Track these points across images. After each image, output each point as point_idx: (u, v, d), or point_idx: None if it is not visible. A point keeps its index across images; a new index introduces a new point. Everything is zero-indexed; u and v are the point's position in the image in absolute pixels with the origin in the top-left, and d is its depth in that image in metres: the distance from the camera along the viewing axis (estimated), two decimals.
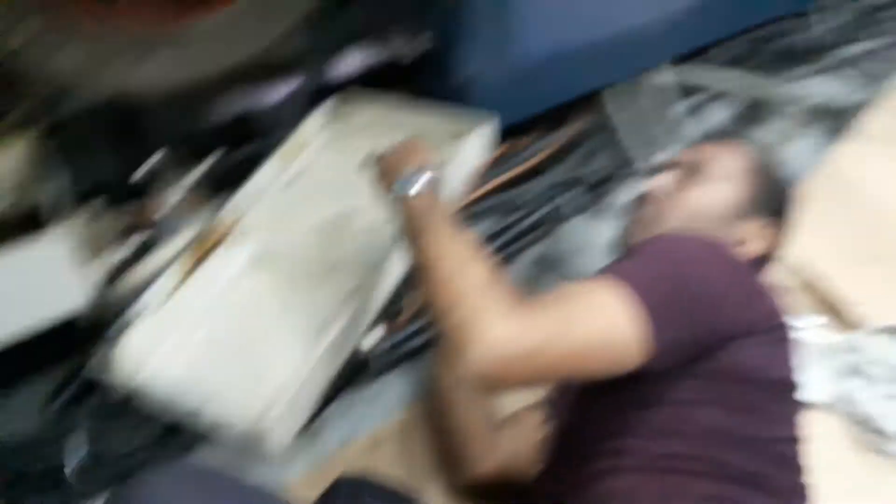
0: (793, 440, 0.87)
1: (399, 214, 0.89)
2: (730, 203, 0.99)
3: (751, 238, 0.98)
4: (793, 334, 0.90)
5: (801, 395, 0.89)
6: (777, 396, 0.87)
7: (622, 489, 0.82)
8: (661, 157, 1.10)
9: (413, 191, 0.88)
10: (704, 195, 0.99)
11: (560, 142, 1.53)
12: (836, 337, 1.37)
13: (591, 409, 0.90)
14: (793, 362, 0.89)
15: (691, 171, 1.02)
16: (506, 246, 1.41)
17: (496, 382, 0.77)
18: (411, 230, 0.87)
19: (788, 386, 0.88)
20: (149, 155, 1.20)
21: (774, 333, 0.88)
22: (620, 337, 0.76)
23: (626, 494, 0.82)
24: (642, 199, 1.05)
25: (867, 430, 1.26)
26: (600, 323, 0.76)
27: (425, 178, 0.89)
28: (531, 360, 0.75)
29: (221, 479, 0.80)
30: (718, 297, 0.82)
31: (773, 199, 1.02)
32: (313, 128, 1.35)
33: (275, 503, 0.83)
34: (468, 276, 0.79)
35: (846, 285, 1.44)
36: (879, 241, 1.52)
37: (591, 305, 0.77)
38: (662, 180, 1.04)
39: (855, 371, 1.32)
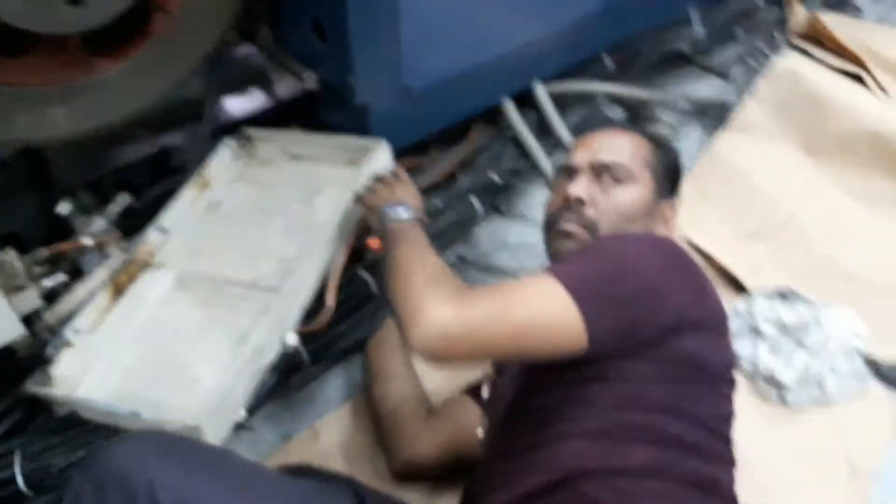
0: (726, 417, 1.05)
1: (382, 234, 1.16)
2: (648, 194, 1.15)
3: (669, 217, 1.18)
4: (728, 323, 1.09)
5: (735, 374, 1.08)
6: (717, 380, 1.04)
7: (570, 452, 0.95)
8: (563, 158, 1.24)
9: (396, 219, 1.16)
10: (629, 193, 1.13)
11: (464, 153, 1.74)
12: (727, 304, 1.61)
13: (540, 383, 1.03)
14: (730, 350, 1.08)
15: (610, 173, 1.14)
16: None
17: (440, 357, 0.93)
18: (388, 245, 1.11)
19: (728, 371, 1.06)
20: (62, 197, 1.37)
21: (717, 326, 1.05)
22: (555, 322, 0.92)
23: (574, 457, 0.94)
24: (564, 211, 1.13)
25: (767, 383, 1.49)
26: (535, 309, 0.92)
27: (403, 209, 1.18)
28: (470, 338, 0.91)
29: (190, 443, 0.94)
30: (660, 292, 0.97)
31: (672, 179, 1.21)
32: (219, 164, 1.51)
33: (245, 465, 0.96)
34: (423, 272, 0.98)
35: (739, 258, 1.70)
36: (761, 219, 1.77)
37: (526, 294, 0.94)
38: (582, 183, 1.14)
39: (750, 331, 1.55)
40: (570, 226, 1.12)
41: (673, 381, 0.98)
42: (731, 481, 1.02)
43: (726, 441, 1.04)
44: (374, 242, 1.47)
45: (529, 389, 1.06)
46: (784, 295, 1.58)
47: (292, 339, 1.18)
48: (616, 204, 1.12)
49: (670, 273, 1.01)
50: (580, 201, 1.12)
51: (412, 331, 0.92)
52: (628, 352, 0.96)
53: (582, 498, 0.91)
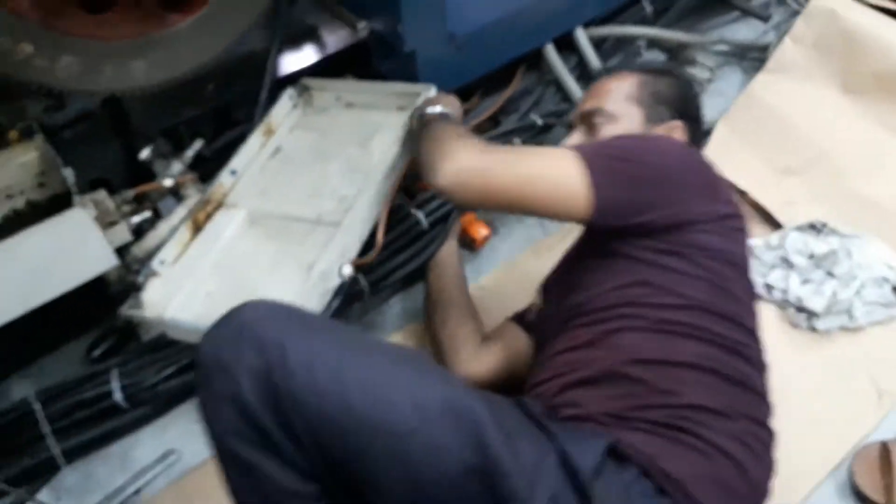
0: (756, 318, 1.12)
1: (420, 125, 1.31)
2: (637, 126, 1.24)
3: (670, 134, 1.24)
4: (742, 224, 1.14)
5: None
6: (741, 279, 1.11)
7: (629, 344, 1.04)
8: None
9: (433, 112, 1.31)
10: (610, 131, 1.23)
11: (507, 95, 1.84)
12: (762, 238, 1.69)
13: (589, 288, 1.13)
14: (747, 250, 1.13)
15: (593, 119, 1.26)
16: None
17: (456, 192, 1.09)
18: (424, 129, 1.27)
19: (747, 270, 1.12)
20: (143, 145, 1.50)
21: (731, 222, 1.11)
22: (564, 179, 1.05)
23: (632, 347, 1.04)
24: None
25: (797, 311, 1.57)
26: (547, 165, 1.07)
27: (441, 107, 1.32)
28: (484, 176, 1.07)
29: (310, 314, 1.01)
30: (674, 180, 1.07)
31: (670, 103, 1.27)
32: (281, 112, 1.63)
33: (361, 333, 1.12)
34: (454, 133, 1.16)
35: (773, 193, 1.76)
36: (795, 155, 1.82)
37: (544, 154, 1.12)
38: (574, 138, 1.28)
39: (782, 263, 1.63)
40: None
41: (708, 280, 1.06)
42: (764, 383, 1.10)
43: (759, 343, 1.11)
44: (424, 183, 1.58)
45: (580, 296, 1.15)
46: (815, 227, 1.65)
47: (347, 270, 1.29)
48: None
49: (685, 167, 1.10)
50: None
51: (437, 167, 1.09)
52: (659, 242, 1.06)
53: (635, 380, 1.01)
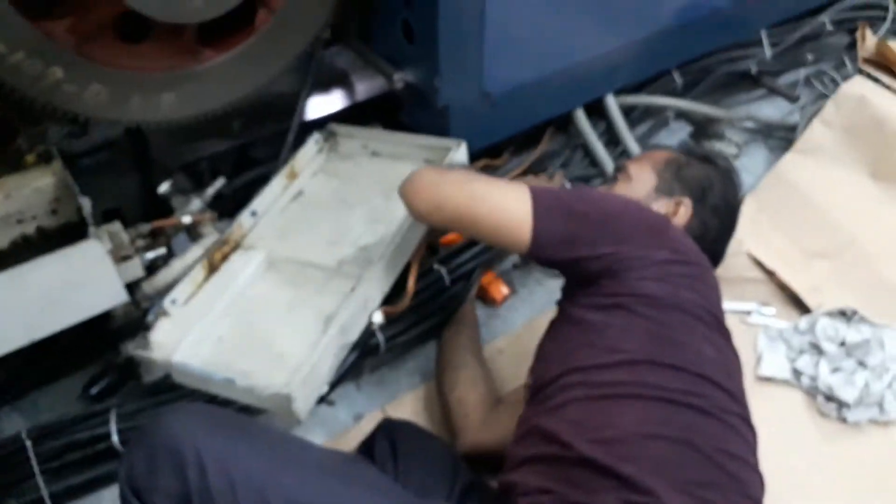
0: (718, 361, 1.06)
1: None
2: (645, 191, 1.27)
3: (670, 212, 1.25)
4: (705, 269, 1.14)
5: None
6: (696, 326, 1.06)
7: (573, 419, 1.02)
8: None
9: None
10: (626, 189, 1.28)
11: (536, 156, 1.81)
12: (787, 322, 1.64)
13: (545, 355, 1.16)
14: (705, 298, 1.10)
15: (616, 174, 1.34)
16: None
17: (409, 203, 1.20)
18: None
19: (705, 317, 1.08)
20: (161, 178, 1.46)
21: (675, 268, 1.09)
22: (508, 205, 1.10)
23: (575, 423, 1.01)
24: None
25: (827, 400, 1.51)
26: (496, 190, 1.13)
27: None
28: (434, 190, 1.17)
29: (232, 416, 1.02)
30: (610, 219, 1.10)
31: (688, 182, 1.28)
32: (306, 156, 1.60)
33: (284, 436, 1.05)
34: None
35: (801, 276, 1.72)
36: (824, 239, 1.79)
37: (496, 182, 1.17)
38: (606, 186, 1.34)
39: (812, 349, 1.58)
40: None
41: (648, 329, 1.04)
42: (735, 431, 1.03)
43: (726, 391, 1.04)
44: (446, 238, 1.54)
45: (538, 368, 1.16)
46: (846, 314, 1.60)
47: (378, 317, 1.25)
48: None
49: (629, 213, 1.13)
50: None
51: (405, 192, 1.21)
52: (595, 299, 1.08)
53: (578, 461, 0.97)
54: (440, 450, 1.27)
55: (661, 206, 1.26)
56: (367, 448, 1.26)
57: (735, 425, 1.03)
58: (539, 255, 1.12)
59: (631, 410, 0.99)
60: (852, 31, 2.34)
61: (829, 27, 2.34)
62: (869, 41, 2.27)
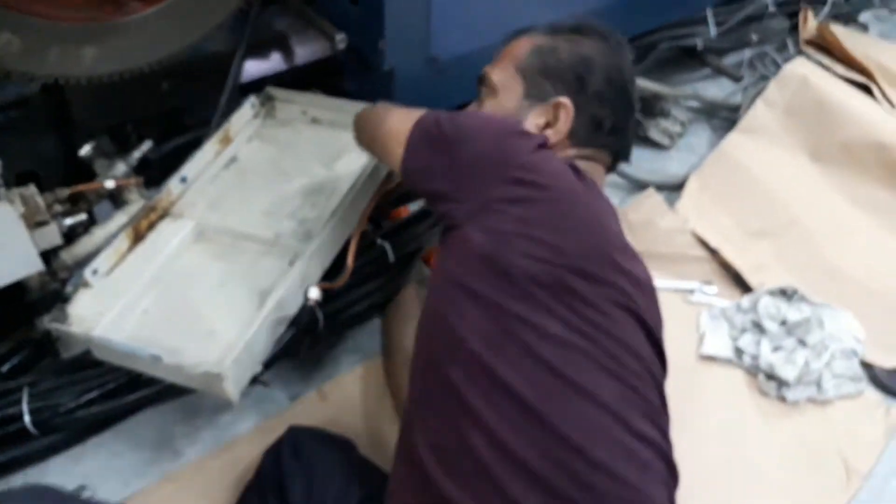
0: (557, 338, 0.86)
1: None
2: (514, 103, 1.08)
3: (549, 120, 1.06)
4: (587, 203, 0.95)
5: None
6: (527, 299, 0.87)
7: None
8: None
9: None
10: (494, 106, 1.10)
11: None
12: (730, 301, 1.64)
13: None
14: (566, 239, 0.90)
15: (480, 86, 1.16)
16: None
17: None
18: None
19: (546, 275, 0.87)
20: (83, 141, 1.35)
21: (526, 206, 0.91)
22: (392, 133, 1.05)
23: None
24: None
25: (767, 378, 1.51)
26: (393, 120, 1.07)
27: None
28: (359, 122, 1.21)
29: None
30: (458, 144, 0.97)
31: (560, 76, 1.07)
32: (241, 121, 1.50)
33: None
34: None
35: (743, 254, 1.72)
36: (766, 218, 1.80)
37: (405, 112, 1.08)
38: (472, 106, 1.17)
39: (754, 328, 1.58)
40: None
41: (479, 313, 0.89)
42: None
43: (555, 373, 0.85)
44: (396, 212, 1.47)
45: None
46: (787, 293, 1.60)
47: (315, 293, 1.18)
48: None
49: (480, 140, 0.97)
50: None
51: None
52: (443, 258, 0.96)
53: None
54: (348, 461, 1.14)
55: (537, 116, 1.07)
56: (275, 459, 1.12)
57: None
58: (410, 186, 1.06)
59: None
60: (793, 15, 2.35)
61: (772, 9, 2.35)
62: (811, 24, 2.29)
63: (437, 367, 0.90)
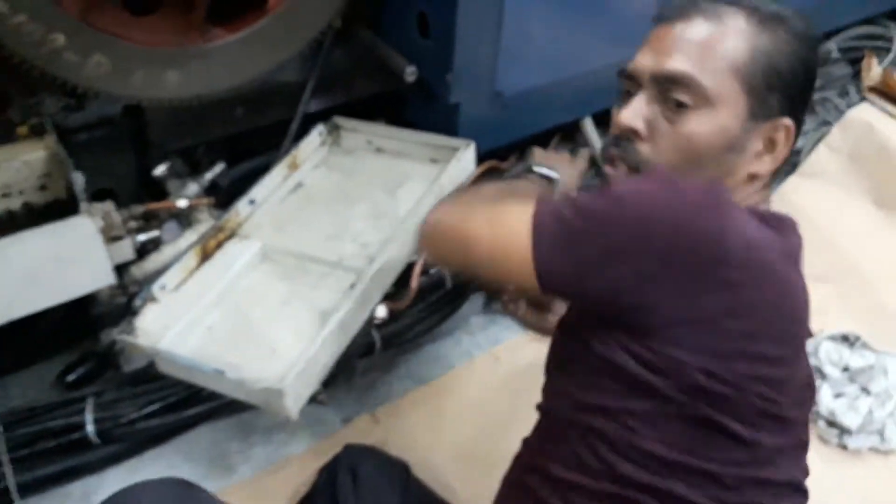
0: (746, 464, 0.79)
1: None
2: (737, 125, 0.81)
3: (764, 148, 0.84)
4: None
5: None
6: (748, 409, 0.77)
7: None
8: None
9: (537, 170, 1.13)
10: (702, 125, 0.81)
11: None
12: None
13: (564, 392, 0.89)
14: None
15: (675, 91, 0.81)
16: None
17: (420, 242, 0.98)
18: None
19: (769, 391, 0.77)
20: (157, 160, 1.39)
21: (744, 320, 0.75)
22: (509, 241, 0.79)
23: None
24: (612, 143, 0.87)
25: (828, 425, 1.46)
26: (494, 223, 0.83)
27: (546, 171, 1.13)
28: (435, 228, 0.93)
29: (201, 494, 0.91)
30: (651, 259, 0.73)
31: (786, 86, 0.82)
32: (309, 148, 1.53)
33: None
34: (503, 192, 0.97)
35: None
36: (827, 263, 1.75)
37: (498, 210, 0.84)
38: (636, 104, 0.84)
39: (814, 373, 1.53)
40: (610, 169, 0.86)
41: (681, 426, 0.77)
42: None
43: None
44: None
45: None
46: (849, 339, 1.56)
47: (382, 312, 1.19)
48: (680, 140, 0.82)
49: (669, 231, 0.73)
50: (634, 133, 0.84)
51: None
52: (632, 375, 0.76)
53: None
54: (403, 482, 1.12)
55: (756, 141, 0.83)
56: (330, 476, 1.12)
57: None
58: (551, 292, 0.83)
59: None
60: (855, 61, 2.32)
61: (835, 55, 2.33)
62: (874, 70, 2.25)
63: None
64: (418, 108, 1.64)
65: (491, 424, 1.40)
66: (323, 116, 1.58)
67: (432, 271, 1.45)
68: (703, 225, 0.73)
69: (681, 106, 0.81)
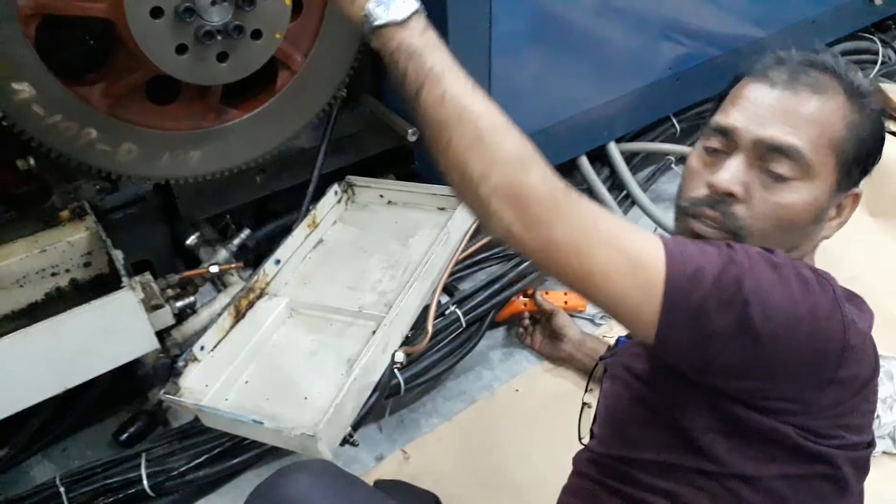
0: None
1: (379, 43, 0.77)
2: (823, 195, 0.83)
3: (843, 211, 0.88)
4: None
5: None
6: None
7: None
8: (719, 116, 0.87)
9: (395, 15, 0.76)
10: (800, 197, 0.81)
11: None
12: None
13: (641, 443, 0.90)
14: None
15: (775, 161, 0.80)
16: (508, 286, 1.66)
17: (511, 223, 0.71)
18: (400, 64, 0.76)
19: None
20: (191, 229, 1.49)
21: (851, 416, 0.80)
22: (638, 262, 0.69)
23: None
24: (706, 203, 0.84)
25: None
26: (626, 240, 0.70)
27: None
28: (550, 216, 0.70)
29: (352, 478, 0.96)
30: (766, 332, 0.70)
31: (865, 160, 0.85)
32: (326, 206, 1.63)
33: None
34: (489, 118, 0.76)
35: None
36: (831, 272, 1.80)
37: (626, 228, 0.72)
38: (733, 167, 0.82)
39: None
40: (706, 229, 0.83)
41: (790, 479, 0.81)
42: None
43: None
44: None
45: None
46: None
47: (401, 356, 1.26)
48: (777, 210, 0.82)
49: (805, 330, 0.72)
50: (731, 196, 0.82)
51: (489, 172, 0.72)
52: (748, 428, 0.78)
53: None
54: None
55: (833, 209, 0.85)
56: None
57: None
58: (661, 346, 0.73)
59: None
60: None
61: None
62: None
63: None
64: (423, 160, 1.74)
65: (514, 454, 1.46)
66: (337, 175, 1.69)
67: (447, 311, 1.52)
68: (830, 325, 0.74)
69: (780, 176, 0.81)
